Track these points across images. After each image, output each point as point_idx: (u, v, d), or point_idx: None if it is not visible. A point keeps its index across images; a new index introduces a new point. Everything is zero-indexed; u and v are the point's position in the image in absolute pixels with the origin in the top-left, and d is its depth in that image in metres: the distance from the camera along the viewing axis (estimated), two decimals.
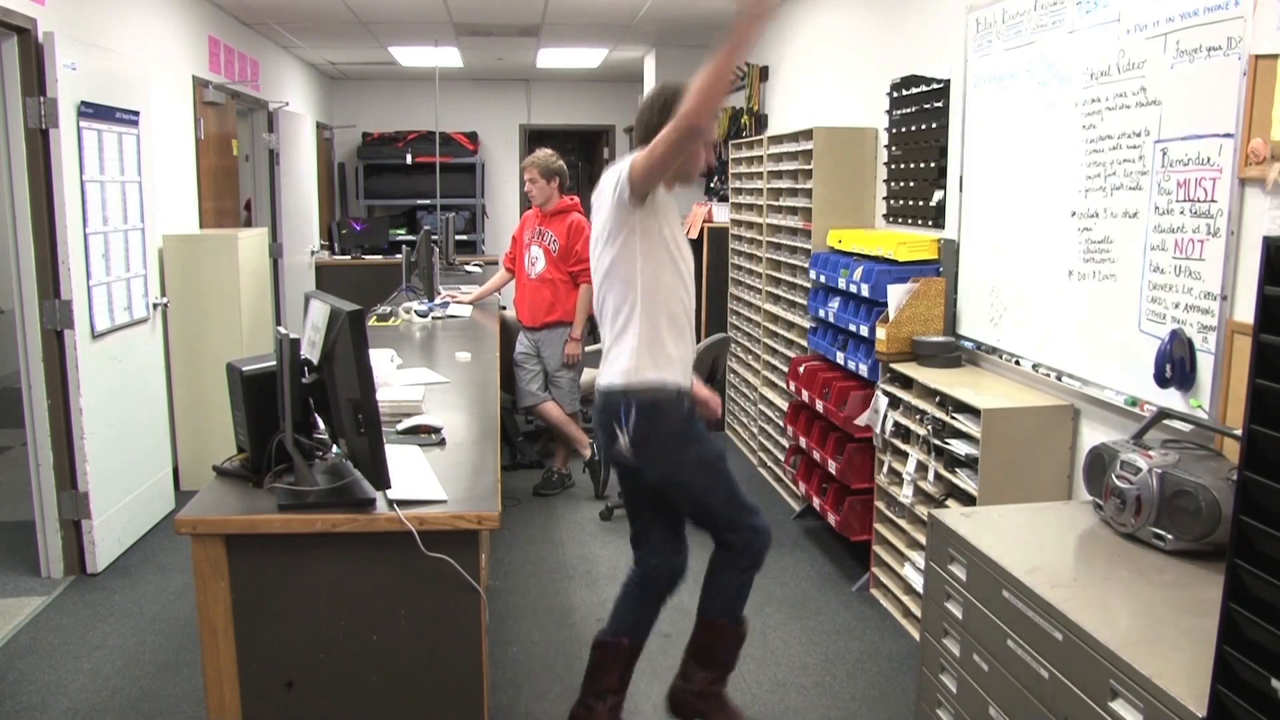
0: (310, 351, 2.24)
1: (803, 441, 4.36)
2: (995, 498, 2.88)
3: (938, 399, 3.23)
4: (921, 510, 3.24)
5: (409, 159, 9.60)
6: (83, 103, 3.83)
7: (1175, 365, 2.42)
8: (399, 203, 9.83)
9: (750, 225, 5.51)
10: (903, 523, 3.47)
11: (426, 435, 2.69)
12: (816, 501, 4.23)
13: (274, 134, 6.99)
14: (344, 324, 2.03)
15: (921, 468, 3.33)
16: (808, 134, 4.58)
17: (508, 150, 10.23)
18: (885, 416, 3.54)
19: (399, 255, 6.99)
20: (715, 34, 2.22)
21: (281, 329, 2.22)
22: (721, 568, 2.71)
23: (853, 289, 3.90)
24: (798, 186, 4.73)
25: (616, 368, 2.54)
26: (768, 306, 5.12)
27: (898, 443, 3.49)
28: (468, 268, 7.50)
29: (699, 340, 3.02)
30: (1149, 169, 2.54)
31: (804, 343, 4.64)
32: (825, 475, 4.20)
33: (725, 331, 5.87)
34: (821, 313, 4.28)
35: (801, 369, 4.37)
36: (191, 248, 4.91)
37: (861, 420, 3.77)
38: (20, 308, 3.79)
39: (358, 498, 2.15)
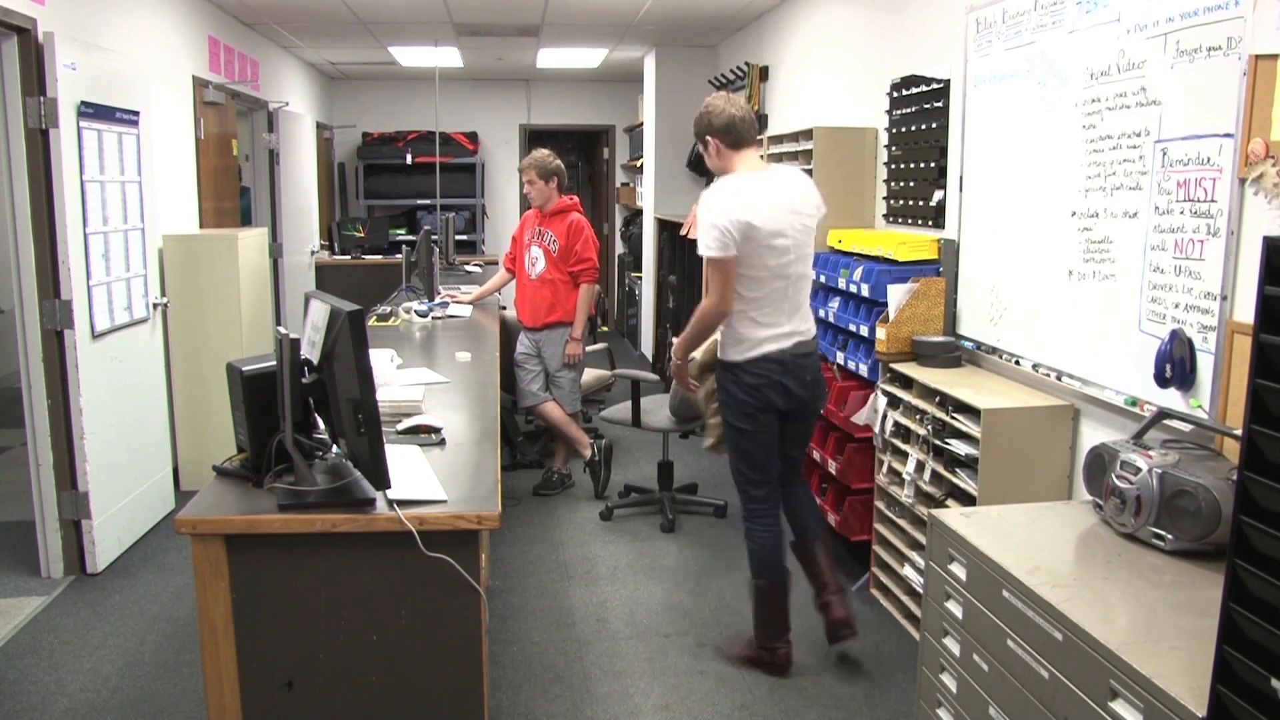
0: (310, 351, 2.24)
1: None
2: (995, 498, 2.88)
3: (938, 399, 3.23)
4: (921, 510, 3.24)
5: (409, 159, 9.60)
6: (83, 103, 3.84)
7: (1175, 365, 2.42)
8: (399, 203, 9.82)
9: None
10: (903, 523, 3.47)
11: (426, 435, 2.69)
12: (816, 501, 4.22)
13: (274, 134, 6.99)
14: (344, 324, 2.03)
15: (921, 468, 3.33)
16: (808, 134, 4.58)
17: (508, 150, 10.23)
18: (885, 416, 3.54)
19: (399, 255, 6.99)
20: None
21: (281, 329, 2.23)
22: (809, 494, 3.44)
23: (853, 289, 3.90)
24: None
25: (816, 331, 3.25)
26: None
27: (898, 443, 3.49)
28: (468, 268, 7.50)
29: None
30: (1149, 169, 2.54)
31: None
32: (825, 475, 4.20)
33: None
34: (821, 313, 4.28)
35: None
36: (191, 248, 4.91)
37: (860, 418, 3.77)
38: (20, 308, 3.79)
39: (358, 498, 2.15)
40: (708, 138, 3.14)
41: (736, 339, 3.09)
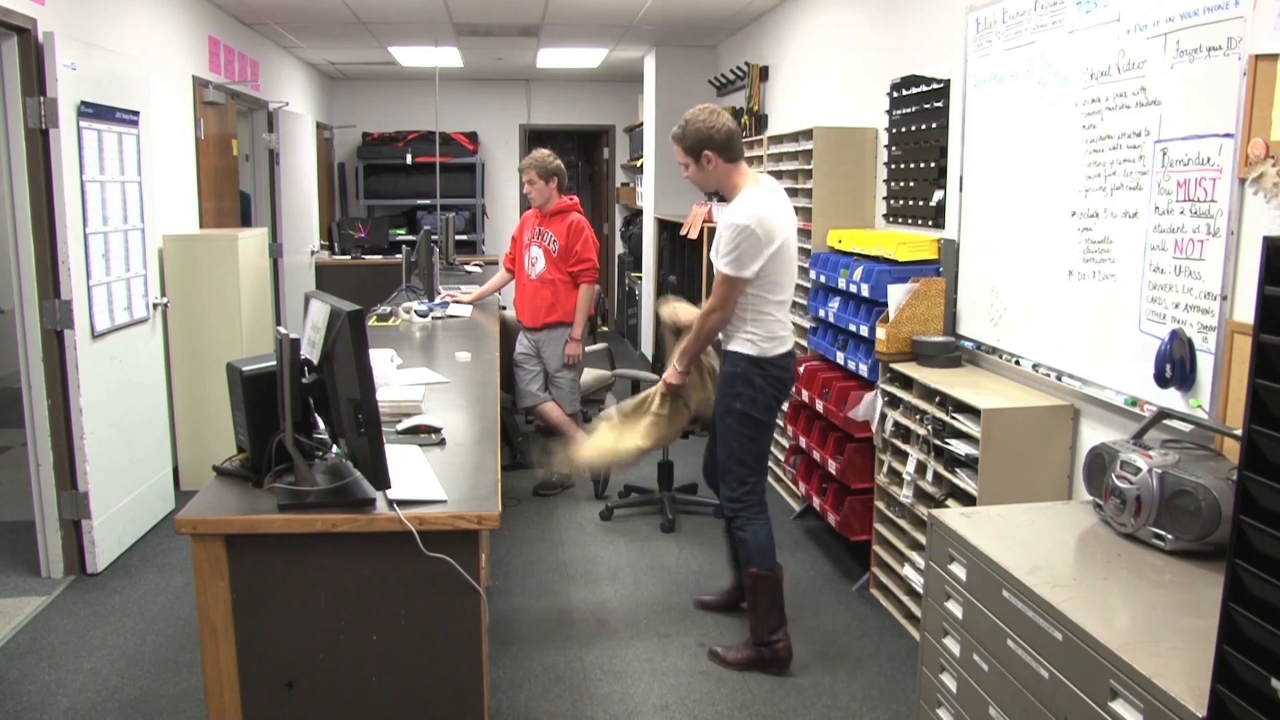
0: (310, 351, 2.24)
1: (803, 441, 4.36)
2: (995, 498, 2.88)
3: (938, 399, 3.23)
4: (921, 510, 3.24)
5: (409, 159, 9.60)
6: (83, 103, 3.83)
7: (1175, 365, 2.42)
8: (399, 203, 9.82)
9: None
10: (903, 523, 3.47)
11: (426, 435, 2.69)
12: (816, 501, 4.23)
13: (274, 134, 6.99)
14: (344, 324, 2.03)
15: (921, 468, 3.33)
16: (808, 134, 4.58)
17: (508, 150, 10.23)
18: (884, 416, 3.54)
19: (399, 255, 6.99)
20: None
21: (281, 329, 2.22)
22: None
23: (853, 289, 3.90)
24: (798, 186, 4.73)
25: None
26: None
27: (898, 443, 3.49)
28: (468, 268, 7.50)
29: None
30: (1149, 169, 2.54)
31: (804, 343, 4.64)
32: (825, 475, 4.20)
33: None
34: (821, 313, 4.28)
35: (801, 369, 4.37)
36: (191, 248, 4.91)
37: (858, 413, 3.77)
38: (20, 308, 3.79)
39: (358, 498, 2.15)
40: (707, 153, 3.12)
41: (767, 335, 3.15)
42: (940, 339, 3.53)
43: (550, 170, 4.82)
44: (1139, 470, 2.19)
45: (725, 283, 3.08)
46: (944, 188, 3.76)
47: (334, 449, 2.35)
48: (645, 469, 5.30)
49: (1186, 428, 2.41)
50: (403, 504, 2.13)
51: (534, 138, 10.16)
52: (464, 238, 9.61)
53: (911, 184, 4.05)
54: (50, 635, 3.44)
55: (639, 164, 8.86)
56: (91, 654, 3.31)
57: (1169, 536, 2.13)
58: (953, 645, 2.31)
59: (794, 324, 4.80)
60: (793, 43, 5.82)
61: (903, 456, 3.45)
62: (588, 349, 5.13)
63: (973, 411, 3.00)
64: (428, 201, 9.49)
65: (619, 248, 10.35)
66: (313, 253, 7.69)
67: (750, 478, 3.22)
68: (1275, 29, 2.13)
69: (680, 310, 3.47)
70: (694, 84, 7.66)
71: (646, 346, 8.33)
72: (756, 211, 3.04)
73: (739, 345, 3.17)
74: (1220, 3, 2.28)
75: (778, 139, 5.02)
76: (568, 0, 6.05)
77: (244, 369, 2.26)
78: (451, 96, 9.82)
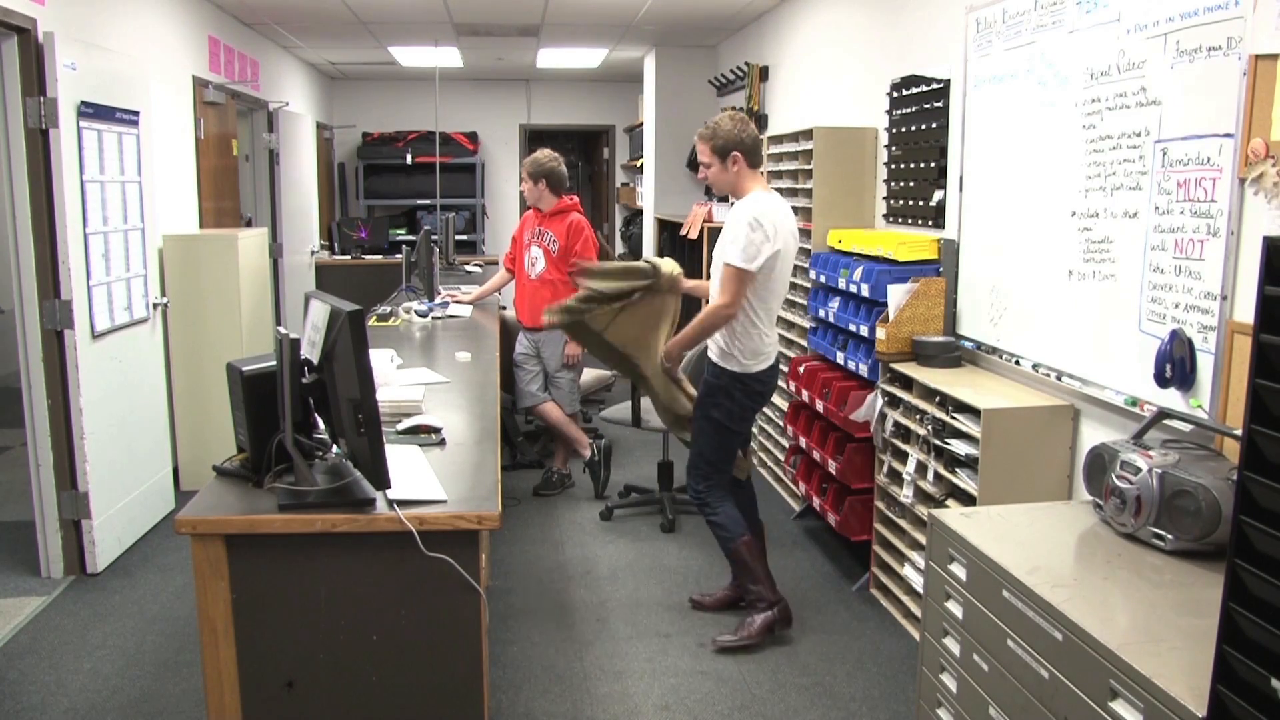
0: (310, 351, 2.24)
1: (803, 441, 4.36)
2: (995, 498, 2.88)
3: (938, 399, 3.23)
4: (921, 510, 3.24)
5: (409, 159, 9.60)
6: (83, 103, 3.83)
7: (1175, 365, 2.42)
8: (399, 203, 9.82)
9: None
10: (903, 523, 3.47)
11: (426, 435, 2.69)
12: (816, 501, 4.23)
13: (274, 134, 6.99)
14: (344, 324, 2.03)
15: (921, 468, 3.33)
16: (808, 134, 4.58)
17: (508, 150, 10.24)
18: (885, 416, 3.55)
19: (399, 255, 6.99)
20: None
21: (281, 329, 2.23)
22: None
23: (853, 289, 3.90)
24: (798, 186, 4.73)
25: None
26: None
27: (898, 443, 3.49)
28: (468, 268, 7.50)
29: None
30: (1149, 169, 2.54)
31: (804, 343, 4.64)
32: (825, 475, 4.20)
33: None
34: (821, 313, 4.28)
35: (801, 369, 4.37)
36: (191, 248, 4.91)
37: (859, 415, 3.77)
38: (20, 308, 3.79)
39: (358, 498, 2.15)
40: (735, 153, 3.26)
41: (753, 351, 3.30)
42: (940, 339, 3.53)
43: (541, 172, 4.81)
44: (1139, 470, 2.19)
45: (736, 277, 3.19)
46: (944, 188, 3.76)
47: (334, 449, 2.35)
48: (646, 469, 5.30)
49: (1186, 428, 2.41)
50: (403, 504, 2.13)
51: (534, 138, 10.16)
52: (464, 238, 9.62)
53: (911, 184, 4.05)
54: (50, 635, 3.44)
55: (639, 164, 8.86)
56: (91, 654, 3.31)
57: (1169, 536, 2.13)
58: (953, 645, 2.31)
59: (794, 323, 4.85)
60: (793, 43, 5.82)
61: (903, 456, 3.45)
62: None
63: (973, 411, 3.00)
64: (428, 201, 9.50)
65: (619, 248, 10.35)
66: (313, 253, 7.69)
67: (715, 474, 3.45)
68: (1275, 29, 2.13)
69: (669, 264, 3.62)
70: (694, 84, 7.67)
71: None
72: (767, 211, 3.20)
73: (724, 360, 3.33)
74: (1220, 3, 2.28)
75: (778, 139, 5.01)
76: (568, 0, 6.05)
77: (244, 369, 2.26)
78: (451, 96, 9.82)
